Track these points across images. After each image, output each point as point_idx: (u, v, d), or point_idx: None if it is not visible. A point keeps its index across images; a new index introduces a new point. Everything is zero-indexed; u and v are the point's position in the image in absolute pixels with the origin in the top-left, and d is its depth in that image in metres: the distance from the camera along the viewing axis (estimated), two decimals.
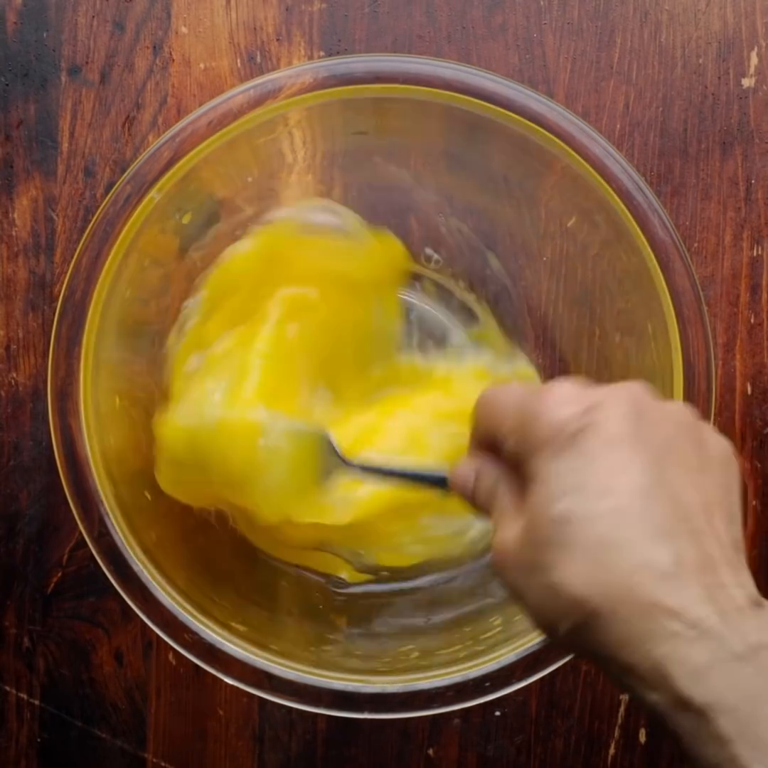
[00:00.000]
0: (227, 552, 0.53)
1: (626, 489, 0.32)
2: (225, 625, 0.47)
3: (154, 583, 0.46)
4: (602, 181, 0.46)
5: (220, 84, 0.55)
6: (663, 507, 0.31)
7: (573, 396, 0.34)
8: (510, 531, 0.34)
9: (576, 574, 0.31)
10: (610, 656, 0.31)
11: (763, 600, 0.32)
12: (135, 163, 0.46)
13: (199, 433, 0.47)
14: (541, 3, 0.54)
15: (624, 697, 0.55)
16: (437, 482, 0.42)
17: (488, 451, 0.38)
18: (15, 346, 0.55)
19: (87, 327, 0.46)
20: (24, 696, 0.56)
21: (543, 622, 0.33)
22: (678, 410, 0.35)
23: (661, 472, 0.32)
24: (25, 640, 0.56)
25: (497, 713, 0.55)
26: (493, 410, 0.37)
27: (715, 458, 0.34)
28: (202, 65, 0.55)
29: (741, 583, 0.31)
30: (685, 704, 0.30)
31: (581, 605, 0.31)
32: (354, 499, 0.50)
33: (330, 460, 0.48)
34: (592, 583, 0.31)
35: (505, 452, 0.36)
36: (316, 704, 0.46)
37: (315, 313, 0.51)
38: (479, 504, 0.38)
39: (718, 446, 0.34)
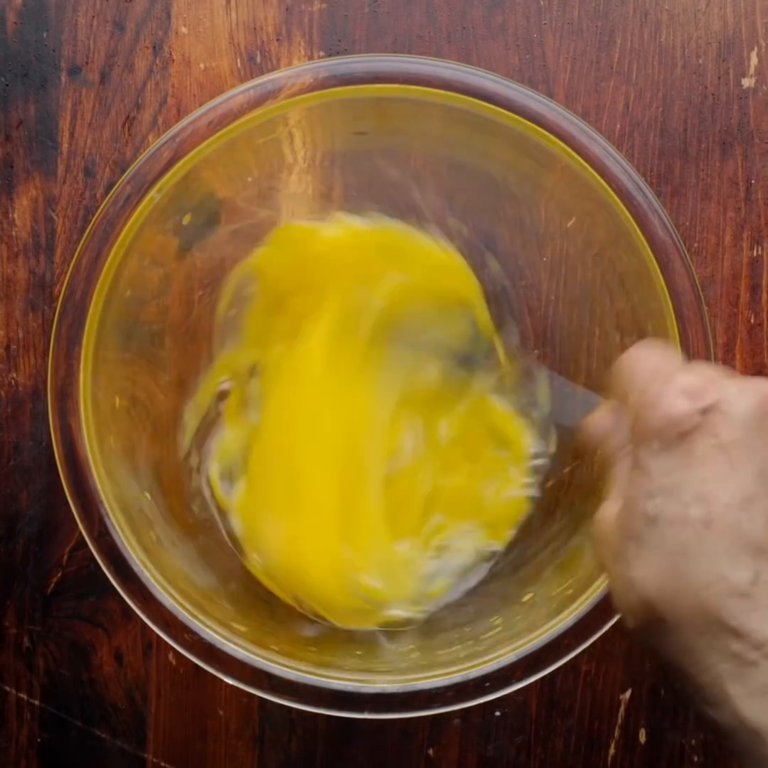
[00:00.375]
0: (227, 552, 0.53)
1: (722, 499, 0.31)
2: (225, 625, 0.47)
3: (154, 583, 0.46)
4: (602, 181, 0.46)
5: (220, 84, 0.55)
6: (756, 522, 0.31)
7: (696, 388, 0.33)
8: (611, 507, 0.34)
9: (651, 576, 0.31)
10: (672, 662, 0.31)
11: None
12: (135, 163, 0.46)
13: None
14: (541, 3, 0.54)
15: (624, 697, 0.55)
16: (565, 427, 0.40)
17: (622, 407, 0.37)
18: (15, 346, 0.55)
19: (87, 327, 0.46)
20: (24, 696, 0.56)
21: (618, 608, 0.33)
22: None
23: (763, 489, 0.31)
24: (25, 640, 0.56)
25: (497, 713, 0.55)
26: (628, 374, 0.36)
27: None
28: (202, 65, 0.55)
29: None
30: (740, 724, 0.30)
31: (650, 608, 0.31)
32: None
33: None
34: (664, 588, 0.31)
35: (628, 420, 0.35)
36: (316, 704, 0.46)
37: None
38: (602, 459, 0.37)
39: None
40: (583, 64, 0.55)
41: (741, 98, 0.55)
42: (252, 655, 0.46)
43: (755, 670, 0.29)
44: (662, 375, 0.34)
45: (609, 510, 0.34)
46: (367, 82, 0.46)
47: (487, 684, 0.45)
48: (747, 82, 0.55)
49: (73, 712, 0.56)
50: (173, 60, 0.55)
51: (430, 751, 0.55)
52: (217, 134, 0.46)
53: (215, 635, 0.46)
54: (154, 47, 0.55)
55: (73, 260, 0.46)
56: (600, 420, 0.38)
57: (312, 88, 0.46)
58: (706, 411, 0.32)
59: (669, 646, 0.31)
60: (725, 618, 0.30)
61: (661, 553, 0.31)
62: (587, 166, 0.46)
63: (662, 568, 0.31)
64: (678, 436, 0.32)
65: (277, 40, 0.55)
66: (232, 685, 0.46)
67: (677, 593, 0.31)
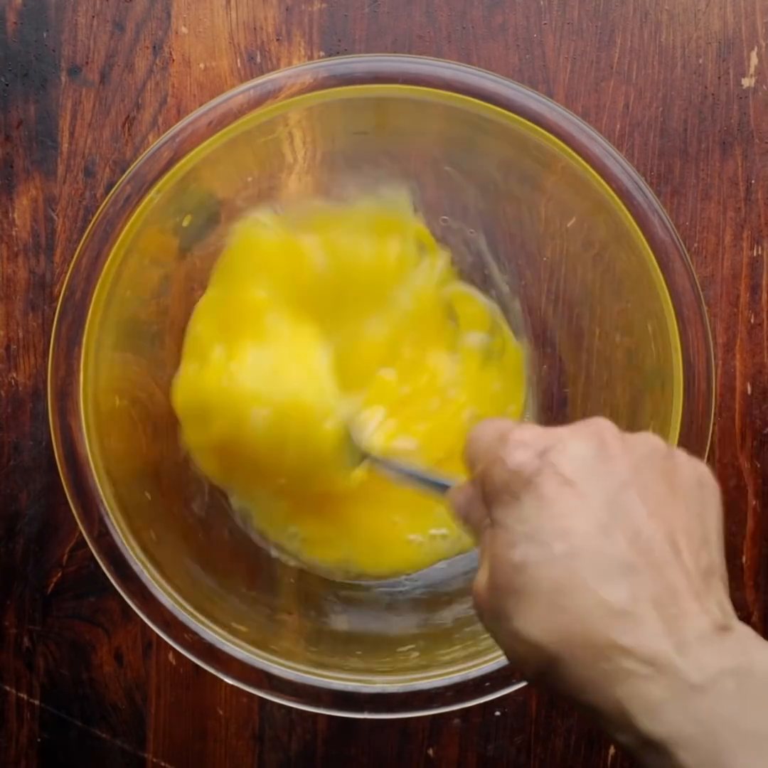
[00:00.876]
0: (227, 552, 0.53)
1: (581, 529, 0.31)
2: (225, 625, 0.47)
3: (154, 583, 0.46)
4: (602, 181, 0.46)
5: (220, 84, 0.55)
6: (618, 544, 0.31)
7: (532, 438, 0.34)
8: (483, 575, 0.34)
9: (533, 622, 0.31)
10: (575, 699, 0.31)
11: (732, 623, 0.31)
12: (135, 163, 0.46)
13: (258, 395, 0.48)
14: (541, 3, 0.54)
15: None
16: (443, 491, 0.41)
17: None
18: (15, 346, 0.55)
19: (87, 327, 0.46)
20: (24, 696, 0.56)
21: (513, 665, 0.33)
22: (643, 441, 0.34)
23: (617, 508, 0.32)
24: (25, 640, 0.56)
25: (497, 713, 0.55)
26: (471, 449, 0.37)
27: (685, 484, 0.33)
28: (202, 65, 0.55)
29: (707, 609, 0.31)
30: (647, 742, 0.30)
31: (541, 651, 0.31)
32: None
33: (352, 446, 0.49)
34: (549, 629, 0.31)
35: (481, 491, 0.36)
36: (316, 704, 0.46)
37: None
38: (471, 534, 0.38)
39: (689, 471, 0.34)
40: (583, 64, 0.55)
41: (741, 98, 0.55)
42: (252, 655, 0.46)
43: (651, 685, 0.30)
44: (499, 437, 0.35)
45: (480, 579, 0.34)
46: (367, 82, 0.46)
47: (487, 684, 0.45)
48: (747, 82, 0.55)
49: (73, 712, 0.56)
50: (173, 60, 0.55)
51: (430, 751, 0.55)
52: (217, 134, 0.46)
53: (215, 635, 0.46)
54: (154, 47, 0.55)
55: (73, 260, 0.46)
56: (456, 498, 0.39)
57: (312, 88, 0.46)
58: (543, 453, 0.33)
59: (569, 684, 0.31)
60: (613, 639, 0.30)
61: (538, 596, 0.31)
62: (587, 166, 0.46)
63: (542, 609, 0.31)
64: (524, 483, 0.32)
65: (277, 40, 0.55)
66: (232, 685, 0.46)
67: (563, 629, 0.31)
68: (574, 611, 0.31)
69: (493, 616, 0.33)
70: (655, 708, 0.29)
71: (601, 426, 0.34)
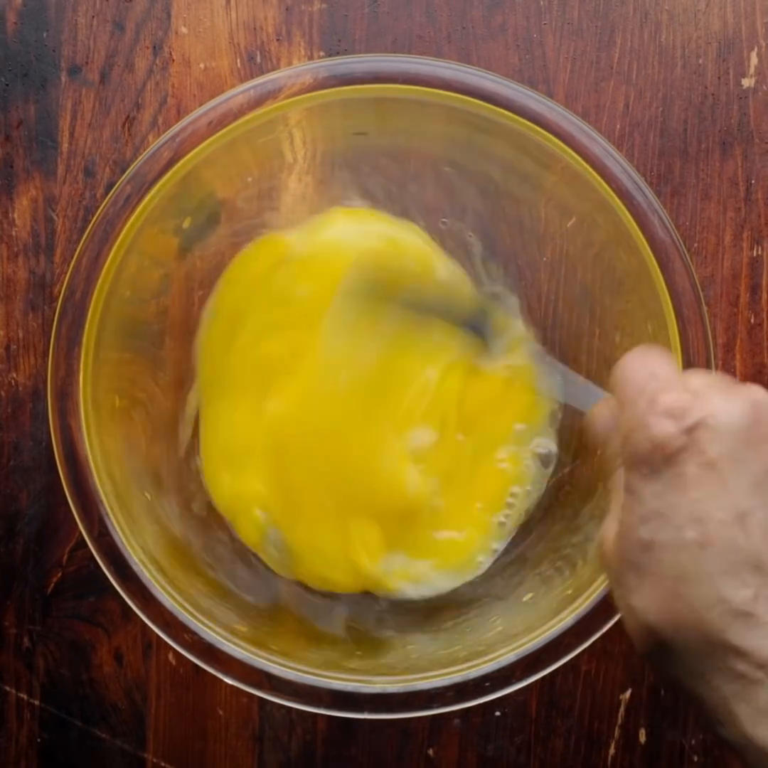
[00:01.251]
0: (228, 552, 0.53)
1: (715, 517, 0.30)
2: (225, 625, 0.47)
3: (154, 583, 0.46)
4: (602, 181, 0.46)
5: (220, 84, 0.55)
6: (752, 538, 0.30)
7: (680, 407, 0.32)
8: (611, 527, 0.33)
9: (651, 603, 0.31)
10: (680, 684, 0.31)
11: None
12: (135, 163, 0.46)
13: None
14: (541, 3, 0.54)
15: (624, 697, 0.55)
16: (589, 398, 0.39)
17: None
18: (15, 346, 0.55)
19: (87, 327, 0.46)
20: (24, 696, 0.56)
21: (628, 632, 0.33)
22: None
23: (757, 499, 0.31)
24: (25, 640, 0.56)
25: (497, 713, 0.55)
26: (620, 385, 0.35)
27: None
28: (202, 65, 0.55)
29: None
30: (749, 743, 0.30)
31: (654, 635, 0.31)
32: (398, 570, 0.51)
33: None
34: (666, 614, 0.31)
35: (622, 433, 0.34)
36: (316, 704, 0.46)
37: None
38: (602, 462, 0.36)
39: None
40: (583, 64, 0.55)
41: (741, 98, 0.55)
42: (252, 655, 0.46)
43: (761, 689, 0.29)
44: (650, 390, 0.33)
45: (609, 530, 0.33)
46: (367, 82, 0.46)
47: (487, 684, 0.45)
48: (747, 82, 0.55)
49: (73, 712, 0.56)
50: (173, 60, 0.55)
51: (430, 751, 0.55)
52: (217, 134, 0.46)
53: (215, 635, 0.46)
54: (154, 47, 0.55)
55: (73, 260, 0.46)
56: (600, 417, 0.37)
57: (312, 88, 0.46)
58: (691, 429, 0.31)
59: (676, 670, 0.31)
60: (729, 638, 0.30)
61: (660, 579, 0.31)
62: (587, 166, 0.46)
63: (662, 595, 0.31)
64: (665, 459, 0.31)
65: (277, 40, 0.55)
66: (232, 685, 0.46)
67: (679, 619, 0.30)
68: (695, 602, 0.30)
69: (615, 580, 0.33)
70: (762, 713, 0.29)
71: (758, 399, 0.32)
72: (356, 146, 0.51)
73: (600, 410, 0.37)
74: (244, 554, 0.53)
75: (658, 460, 0.31)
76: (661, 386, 0.33)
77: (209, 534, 0.53)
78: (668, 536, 0.31)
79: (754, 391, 0.33)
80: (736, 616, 0.30)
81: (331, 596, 0.53)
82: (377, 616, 0.52)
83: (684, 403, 0.32)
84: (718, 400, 0.32)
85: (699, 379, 0.34)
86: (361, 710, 0.46)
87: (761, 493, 0.31)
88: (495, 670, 0.45)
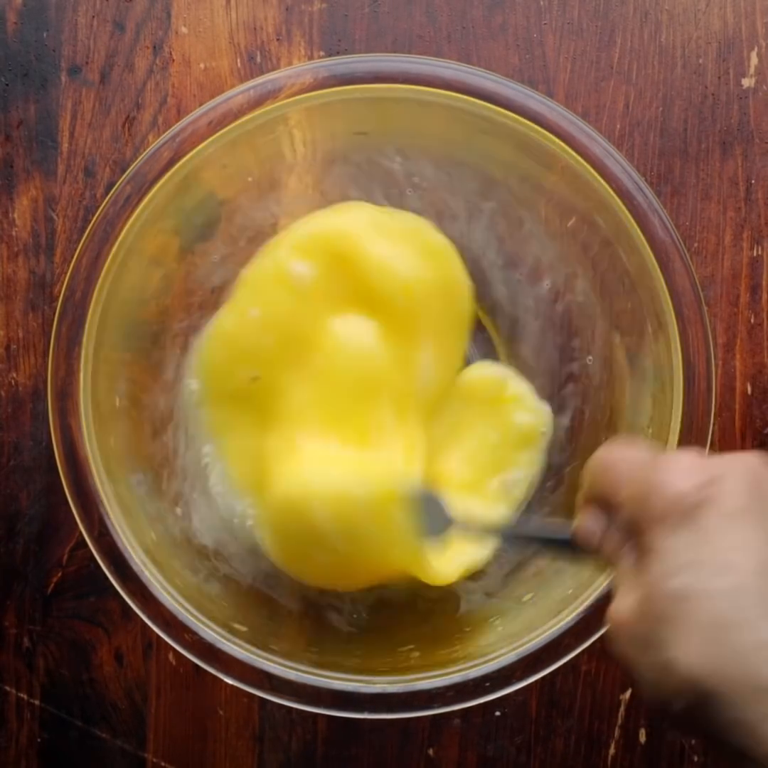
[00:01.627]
0: (227, 552, 0.53)
1: (746, 566, 0.31)
2: (225, 625, 0.47)
3: (154, 583, 0.46)
4: (602, 181, 0.46)
5: (220, 84, 0.55)
6: None
7: (693, 468, 0.33)
8: (626, 601, 0.33)
9: (692, 653, 0.31)
10: (726, 738, 0.31)
11: None
12: (135, 163, 0.46)
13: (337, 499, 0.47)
14: (541, 3, 0.54)
15: (624, 697, 0.55)
16: (561, 543, 0.40)
17: (603, 510, 0.37)
18: (15, 346, 0.55)
19: (87, 327, 0.46)
20: (24, 696, 0.56)
21: (655, 698, 0.32)
22: None
23: None
24: (25, 640, 0.56)
25: (497, 713, 0.55)
26: (611, 474, 0.36)
27: None
28: (202, 65, 0.55)
29: None
30: None
31: (696, 685, 0.30)
32: (461, 562, 0.50)
33: (440, 519, 0.47)
34: (709, 662, 0.30)
35: (621, 518, 0.35)
36: (316, 704, 0.46)
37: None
38: (606, 559, 0.37)
39: None
40: (583, 64, 0.55)
41: (741, 98, 0.55)
42: (252, 655, 0.46)
43: None
44: (653, 463, 0.35)
45: (623, 605, 0.33)
46: (367, 82, 0.46)
47: (487, 684, 0.45)
48: (747, 82, 0.55)
49: (73, 712, 0.56)
50: (173, 60, 0.55)
51: (430, 751, 0.55)
52: (217, 134, 0.46)
53: (215, 635, 0.46)
54: (154, 47, 0.55)
55: (73, 260, 0.46)
56: (586, 527, 0.38)
57: (312, 88, 0.46)
58: (708, 483, 0.33)
59: (719, 723, 0.30)
60: None
61: (698, 627, 0.31)
62: (587, 166, 0.46)
63: (703, 642, 0.30)
64: (686, 512, 0.32)
65: (277, 40, 0.55)
66: (232, 685, 0.46)
67: (724, 664, 0.30)
68: (738, 648, 0.30)
69: (640, 644, 0.32)
70: None
71: (757, 462, 0.34)
72: (356, 146, 0.51)
73: (582, 522, 0.38)
74: (248, 552, 0.53)
75: (681, 514, 0.32)
76: (664, 457, 0.35)
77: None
78: (702, 585, 0.31)
79: (747, 456, 0.34)
80: None
81: (332, 595, 0.53)
82: (378, 616, 0.52)
83: (692, 464, 0.34)
84: (723, 461, 0.34)
85: (693, 451, 0.35)
86: (361, 710, 0.46)
87: None
88: (495, 670, 0.45)
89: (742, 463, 0.34)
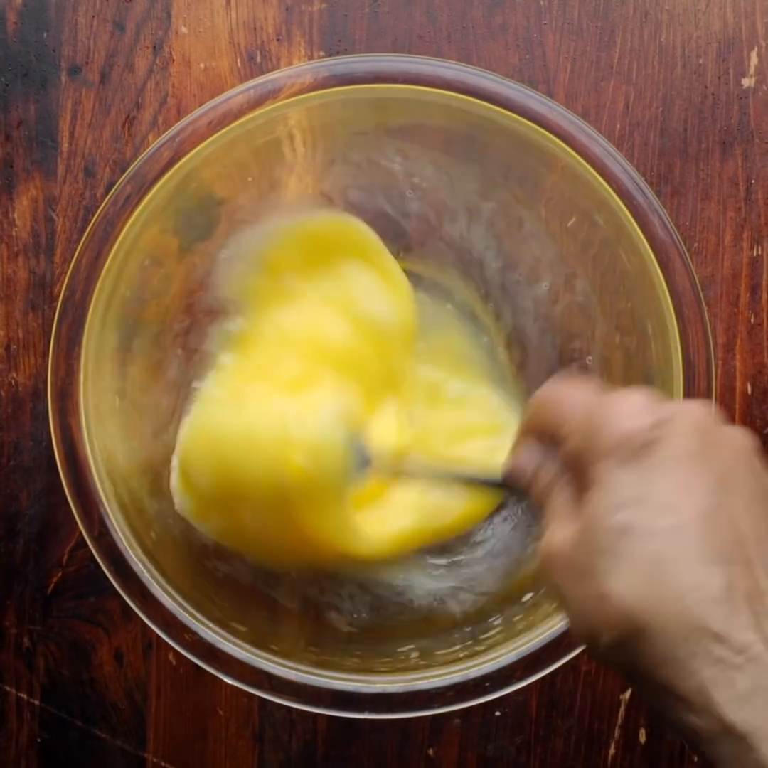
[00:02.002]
0: (227, 551, 0.53)
1: (688, 508, 0.32)
2: (225, 625, 0.47)
3: (154, 583, 0.46)
4: (602, 181, 0.46)
5: (220, 84, 0.55)
6: (722, 531, 0.31)
7: (643, 408, 0.34)
8: (562, 532, 0.34)
9: (628, 586, 0.31)
10: (651, 673, 0.31)
11: None
12: (135, 163, 0.46)
13: (241, 439, 0.47)
14: (541, 3, 0.54)
15: (624, 697, 0.55)
16: (490, 483, 0.40)
17: (542, 443, 0.38)
18: (15, 346, 0.55)
19: (87, 327, 0.46)
20: (24, 696, 0.56)
21: (584, 630, 0.33)
22: (739, 436, 0.34)
23: (722, 496, 0.32)
24: (25, 640, 0.56)
25: (497, 713, 0.55)
26: (557, 406, 0.37)
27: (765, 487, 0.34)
28: (202, 65, 0.55)
29: None
30: (726, 730, 0.30)
31: (629, 618, 0.31)
32: (387, 532, 0.50)
33: (364, 462, 0.47)
34: (644, 597, 0.31)
35: (564, 450, 0.36)
36: (316, 704, 0.46)
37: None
38: (536, 496, 0.37)
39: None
40: (583, 64, 0.55)
41: (741, 98, 0.55)
42: (252, 655, 0.46)
43: (740, 674, 0.30)
44: (603, 399, 0.35)
45: (558, 536, 0.34)
46: (367, 81, 0.46)
47: (487, 684, 0.45)
48: (747, 82, 0.55)
49: (73, 712, 0.56)
50: (173, 60, 0.55)
51: (430, 751, 0.55)
52: (217, 134, 0.46)
53: (215, 635, 0.46)
54: (154, 47, 0.55)
55: (73, 260, 0.46)
56: (520, 460, 0.38)
57: (312, 88, 0.46)
58: (658, 425, 0.33)
59: (647, 658, 0.31)
60: (708, 623, 0.30)
61: (637, 562, 0.31)
62: (587, 165, 0.46)
63: (640, 577, 0.31)
64: (635, 450, 0.33)
65: (277, 40, 0.55)
66: (232, 685, 0.46)
67: (658, 601, 0.31)
68: (674, 585, 0.31)
69: (575, 575, 0.33)
70: (742, 698, 0.29)
71: (705, 411, 0.34)
72: (356, 146, 0.51)
73: (516, 454, 0.39)
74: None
75: (629, 451, 0.33)
76: (613, 394, 0.35)
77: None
78: (644, 522, 0.32)
79: (697, 404, 0.35)
80: (713, 602, 0.30)
81: (332, 595, 0.53)
82: (378, 616, 0.52)
83: (649, 403, 0.34)
84: (673, 406, 0.34)
85: (643, 392, 0.36)
86: (361, 710, 0.46)
87: (724, 492, 0.32)
88: (495, 670, 0.45)
89: (690, 411, 0.34)
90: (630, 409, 0.34)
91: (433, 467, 0.47)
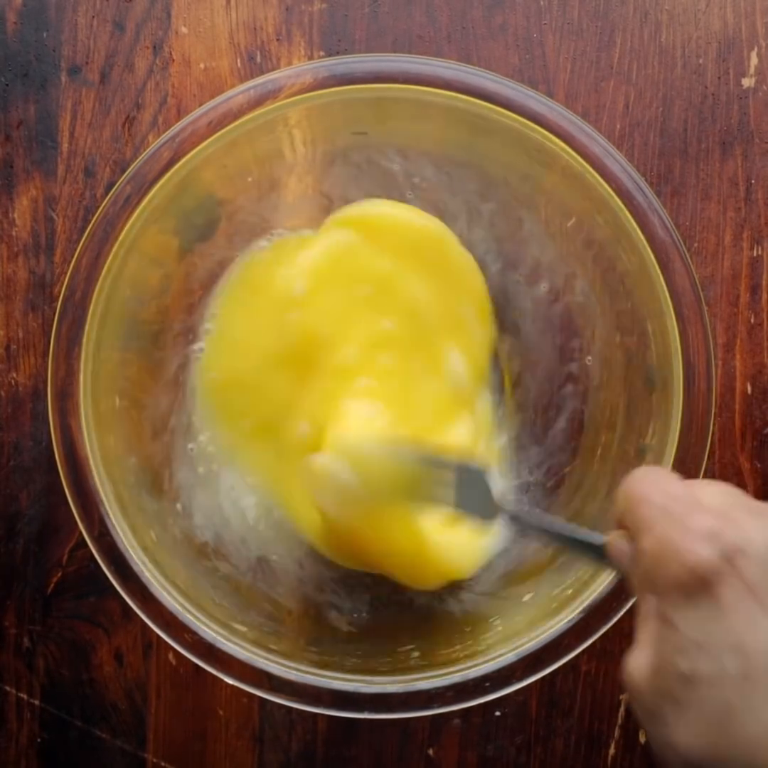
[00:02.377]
0: (227, 551, 0.53)
1: (756, 648, 0.30)
2: (225, 625, 0.47)
3: (154, 583, 0.46)
4: (602, 181, 0.46)
5: (220, 84, 0.55)
6: None
7: (713, 531, 0.31)
8: (640, 659, 0.32)
9: (695, 740, 0.30)
10: None
11: None
12: (135, 163, 0.46)
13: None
14: (541, 3, 0.54)
15: (624, 697, 0.55)
16: (593, 548, 0.38)
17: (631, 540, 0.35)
18: (15, 346, 0.55)
19: (87, 327, 0.46)
20: (24, 696, 0.56)
21: (661, 760, 0.32)
22: None
23: None
24: (25, 640, 0.56)
25: (497, 713, 0.55)
26: (637, 513, 0.34)
27: None
28: (202, 65, 0.55)
29: None
30: None
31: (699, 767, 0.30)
32: (481, 548, 0.50)
33: (485, 500, 0.45)
34: (711, 751, 0.30)
35: (641, 569, 0.34)
36: (316, 704, 0.46)
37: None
38: (634, 581, 0.35)
39: None
40: (583, 64, 0.55)
41: (741, 98, 0.55)
42: (252, 655, 0.46)
43: None
44: (676, 512, 0.33)
45: (639, 659, 0.33)
46: (367, 82, 0.46)
47: (487, 684, 0.45)
48: (747, 82, 0.55)
49: (73, 712, 0.56)
50: (173, 60, 0.55)
51: (430, 751, 0.55)
52: (217, 134, 0.46)
53: (215, 635, 0.46)
54: (154, 47, 0.55)
55: (73, 260, 0.46)
56: (617, 548, 0.36)
57: (312, 88, 0.46)
58: (728, 555, 0.31)
59: None
60: None
61: (702, 715, 0.30)
62: (587, 165, 0.46)
63: (705, 730, 0.30)
64: (701, 585, 0.31)
65: (277, 40, 0.55)
66: (232, 685, 0.46)
67: (723, 753, 0.30)
68: (742, 737, 0.30)
69: (650, 714, 0.32)
70: None
71: None
72: (356, 146, 0.51)
73: (617, 544, 0.36)
74: (242, 542, 0.53)
75: (694, 587, 0.31)
76: (684, 508, 0.33)
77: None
78: (709, 668, 0.30)
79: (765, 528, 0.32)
80: None
81: (333, 594, 0.53)
82: (378, 616, 0.52)
83: (717, 527, 0.32)
84: (750, 524, 0.32)
85: (715, 494, 0.33)
86: (361, 710, 0.46)
87: None
88: (495, 670, 0.45)
89: (759, 541, 0.32)
90: (699, 531, 0.31)
91: (547, 521, 0.43)
